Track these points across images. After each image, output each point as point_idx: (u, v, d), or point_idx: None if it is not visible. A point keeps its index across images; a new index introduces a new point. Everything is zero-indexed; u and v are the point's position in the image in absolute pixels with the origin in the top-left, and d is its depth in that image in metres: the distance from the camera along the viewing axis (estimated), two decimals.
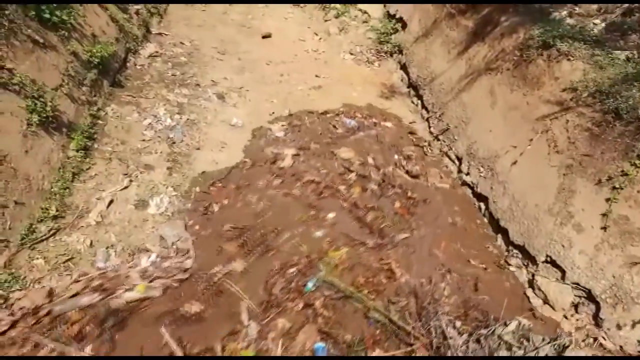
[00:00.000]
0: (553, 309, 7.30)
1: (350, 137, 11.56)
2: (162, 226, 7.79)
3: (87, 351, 5.67)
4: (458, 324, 6.66)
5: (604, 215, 7.01)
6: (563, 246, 7.29)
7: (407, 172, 10.58)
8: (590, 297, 7.02)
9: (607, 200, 7.04)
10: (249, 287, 7.10)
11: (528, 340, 6.23)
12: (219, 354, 5.97)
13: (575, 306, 7.19)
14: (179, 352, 5.44)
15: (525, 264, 8.00)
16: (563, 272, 7.27)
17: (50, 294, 6.23)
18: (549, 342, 6.16)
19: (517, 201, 8.38)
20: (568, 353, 5.85)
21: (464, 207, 9.75)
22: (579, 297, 7.18)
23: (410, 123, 12.69)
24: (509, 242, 8.29)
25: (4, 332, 5.66)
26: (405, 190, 9.96)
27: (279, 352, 5.93)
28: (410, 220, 9.14)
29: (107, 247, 7.18)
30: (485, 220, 9.22)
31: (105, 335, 6.00)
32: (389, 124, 12.40)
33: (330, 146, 11.08)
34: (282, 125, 11.48)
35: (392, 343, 6.43)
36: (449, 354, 5.89)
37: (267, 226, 8.36)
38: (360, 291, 7.05)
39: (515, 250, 8.20)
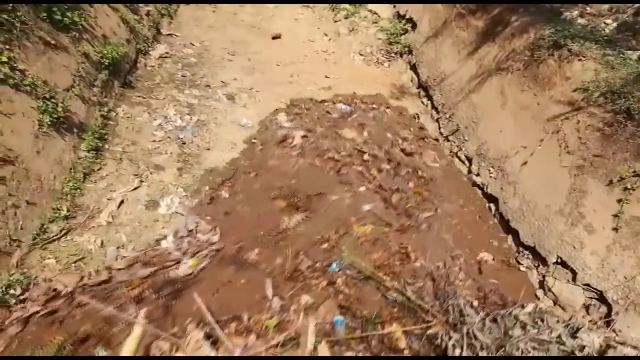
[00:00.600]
0: (564, 310, 7.25)
1: (348, 120, 11.92)
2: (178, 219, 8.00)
3: (142, 314, 5.87)
4: (475, 303, 6.80)
5: (615, 216, 6.96)
6: (574, 247, 7.23)
7: (402, 150, 11.00)
8: (602, 298, 6.96)
9: (619, 201, 6.98)
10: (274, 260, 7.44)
11: (543, 321, 6.18)
12: (246, 323, 6.18)
13: (587, 308, 7.13)
14: (210, 318, 5.65)
15: (536, 265, 7.94)
16: (574, 273, 7.21)
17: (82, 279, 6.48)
18: (563, 324, 6.09)
19: (528, 202, 8.33)
20: (580, 335, 5.81)
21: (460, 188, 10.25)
22: (591, 298, 7.12)
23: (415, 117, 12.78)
24: (519, 243, 8.23)
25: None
26: (416, 170, 10.35)
27: (300, 324, 6.06)
28: (430, 198, 9.50)
29: (117, 247, 7.21)
30: (495, 219, 9.19)
31: (161, 301, 6.29)
32: (388, 111, 12.63)
33: (334, 128, 11.45)
34: (287, 115, 11.75)
35: (409, 320, 6.55)
36: (465, 330, 5.92)
37: (305, 189, 9.05)
38: (379, 272, 7.16)
39: (526, 252, 8.14)
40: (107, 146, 8.90)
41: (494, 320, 6.14)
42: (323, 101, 12.80)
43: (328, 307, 6.57)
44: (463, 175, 10.70)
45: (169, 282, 6.68)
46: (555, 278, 7.48)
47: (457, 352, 5.76)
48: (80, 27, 9.34)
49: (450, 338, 5.98)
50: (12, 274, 6.08)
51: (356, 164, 10.13)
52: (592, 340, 5.76)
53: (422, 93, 13.62)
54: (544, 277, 7.69)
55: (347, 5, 17.34)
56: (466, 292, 7.13)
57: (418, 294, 6.95)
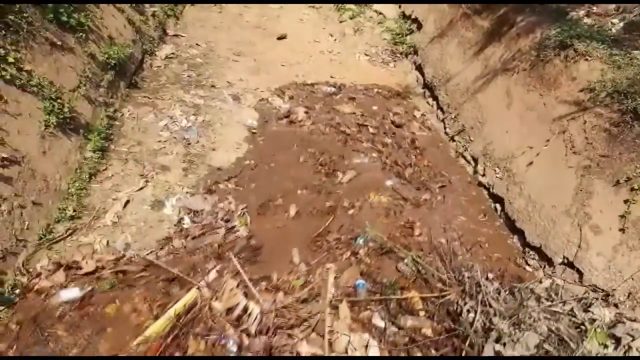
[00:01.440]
0: None
1: (336, 97, 12.99)
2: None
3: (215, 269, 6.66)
4: (491, 275, 7.09)
5: (622, 216, 6.90)
6: (580, 248, 7.19)
7: (392, 122, 12.00)
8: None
9: (626, 201, 6.92)
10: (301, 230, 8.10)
11: (557, 294, 6.40)
12: (274, 282, 6.80)
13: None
14: (245, 277, 6.48)
15: (542, 265, 7.90)
16: (580, 274, 7.17)
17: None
18: (576, 298, 6.32)
19: (534, 202, 8.28)
20: (592, 309, 6.00)
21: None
22: (596, 299, 7.07)
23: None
24: (525, 243, 8.19)
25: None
26: (413, 140, 11.35)
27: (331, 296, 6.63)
28: (436, 169, 10.38)
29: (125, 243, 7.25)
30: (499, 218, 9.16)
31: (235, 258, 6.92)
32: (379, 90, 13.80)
33: (328, 105, 12.43)
34: (279, 97, 12.45)
35: (425, 289, 6.89)
36: (480, 297, 6.20)
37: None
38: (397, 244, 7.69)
39: (532, 252, 8.10)
40: (112, 146, 8.93)
41: (511, 293, 6.41)
42: (312, 84, 13.54)
43: (351, 272, 7.07)
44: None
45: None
46: (563, 280, 7.42)
47: (471, 317, 6.02)
48: (87, 27, 9.40)
49: (465, 303, 6.25)
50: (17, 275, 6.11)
51: (363, 138, 11.07)
52: (603, 314, 5.89)
53: (427, 93, 13.58)
54: (550, 277, 7.64)
55: (352, 6, 17.36)
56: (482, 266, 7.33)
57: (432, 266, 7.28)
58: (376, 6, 17.33)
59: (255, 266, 7.09)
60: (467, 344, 5.80)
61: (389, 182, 9.53)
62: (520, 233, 8.39)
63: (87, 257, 6.63)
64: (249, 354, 5.51)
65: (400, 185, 9.53)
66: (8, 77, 6.93)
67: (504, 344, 5.65)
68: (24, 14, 7.74)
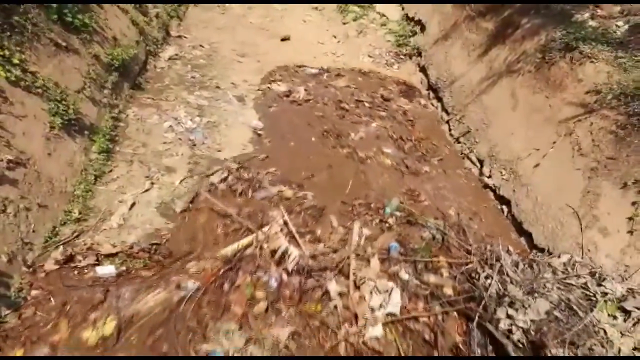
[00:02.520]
0: None
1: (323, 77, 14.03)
2: None
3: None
4: (512, 249, 7.51)
5: (630, 219, 6.88)
6: (589, 250, 7.16)
7: (381, 96, 13.17)
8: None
9: (633, 203, 6.91)
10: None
11: (573, 268, 6.67)
12: (317, 235, 7.67)
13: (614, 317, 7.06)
14: (290, 225, 7.43)
15: None
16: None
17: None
18: (590, 273, 6.51)
19: (541, 204, 8.26)
20: (605, 283, 6.23)
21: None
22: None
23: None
24: (532, 245, 8.16)
25: None
26: (405, 112, 12.65)
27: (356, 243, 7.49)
28: (429, 141, 11.47)
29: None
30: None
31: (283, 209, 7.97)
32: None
33: (321, 84, 13.51)
34: (272, 81, 13.13)
35: (449, 256, 7.50)
36: (498, 266, 6.64)
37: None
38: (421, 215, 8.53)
39: (539, 254, 8.07)
40: (117, 148, 8.89)
41: (530, 266, 6.77)
42: (299, 66, 14.34)
43: (385, 237, 7.75)
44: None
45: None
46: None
47: (487, 282, 6.39)
48: (91, 29, 9.36)
49: (483, 270, 6.69)
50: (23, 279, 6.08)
51: (361, 113, 12.23)
52: (615, 288, 6.11)
53: (432, 95, 13.56)
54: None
55: (355, 7, 17.35)
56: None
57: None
58: (379, 8, 17.33)
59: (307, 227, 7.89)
60: (481, 306, 6.18)
61: (389, 150, 10.84)
62: (527, 235, 8.36)
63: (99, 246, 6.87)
64: (287, 291, 6.38)
65: (401, 154, 10.79)
66: (13, 78, 6.87)
67: (516, 309, 5.95)
68: (29, 15, 7.71)
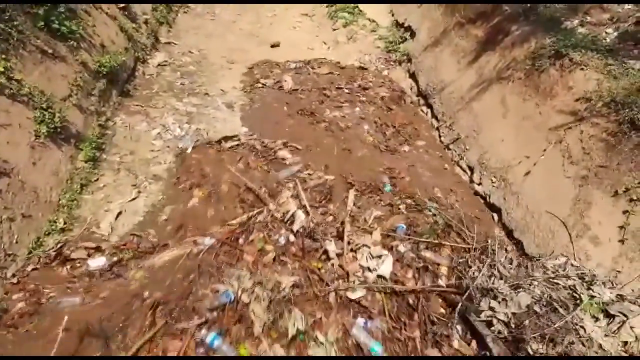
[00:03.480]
0: None
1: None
2: None
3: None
4: (510, 248, 7.82)
5: (621, 227, 6.85)
6: (580, 259, 7.13)
7: (359, 85, 13.66)
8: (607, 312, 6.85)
9: (625, 212, 6.88)
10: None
11: (564, 270, 6.60)
12: (328, 209, 8.15)
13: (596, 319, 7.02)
14: (301, 192, 8.19)
15: None
16: None
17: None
18: (579, 274, 6.44)
19: (532, 212, 8.23)
20: (593, 287, 6.16)
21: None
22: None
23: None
24: (524, 253, 8.11)
25: None
26: (383, 97, 13.29)
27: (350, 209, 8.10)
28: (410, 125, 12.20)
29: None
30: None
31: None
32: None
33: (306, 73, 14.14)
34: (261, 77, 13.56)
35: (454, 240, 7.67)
36: (488, 261, 6.71)
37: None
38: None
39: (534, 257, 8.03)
40: (104, 156, 8.79)
41: (525, 265, 6.81)
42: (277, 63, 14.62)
43: (395, 218, 8.04)
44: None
45: None
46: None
47: (476, 274, 6.48)
48: (78, 35, 9.27)
49: (474, 263, 6.81)
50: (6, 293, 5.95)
51: (342, 99, 12.83)
52: (603, 292, 6.06)
53: (422, 101, 13.53)
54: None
55: (345, 14, 17.34)
56: None
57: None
58: (369, 14, 17.31)
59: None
60: (464, 296, 6.29)
61: (371, 130, 11.54)
62: (518, 243, 8.32)
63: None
64: (292, 248, 7.12)
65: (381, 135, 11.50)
66: None
67: (499, 302, 6.02)
68: (14, 22, 7.61)
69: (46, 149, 7.48)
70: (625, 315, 5.75)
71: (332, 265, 6.86)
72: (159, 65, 12.63)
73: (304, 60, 14.79)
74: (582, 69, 8.57)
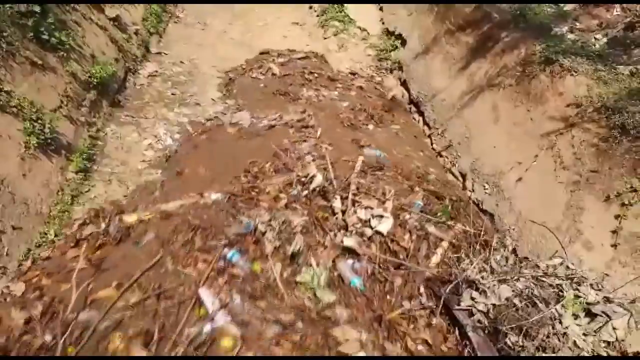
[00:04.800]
0: None
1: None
2: None
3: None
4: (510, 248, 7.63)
5: (614, 232, 6.86)
6: (573, 264, 7.12)
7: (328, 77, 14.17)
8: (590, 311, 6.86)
9: (617, 217, 6.89)
10: None
11: (555, 269, 6.58)
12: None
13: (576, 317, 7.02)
14: (327, 156, 8.57)
15: None
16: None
17: None
18: (568, 273, 6.41)
19: (524, 218, 8.24)
20: (582, 289, 6.11)
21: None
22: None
23: None
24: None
25: None
26: (360, 87, 14.05)
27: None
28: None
29: None
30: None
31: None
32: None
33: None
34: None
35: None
36: (481, 256, 6.80)
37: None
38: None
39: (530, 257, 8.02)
40: (95, 167, 8.76)
41: (519, 265, 6.82)
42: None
43: (414, 196, 8.15)
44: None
45: None
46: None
47: (469, 266, 6.53)
48: (68, 46, 9.24)
49: (467, 256, 6.90)
50: None
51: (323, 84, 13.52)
52: (588, 292, 6.02)
53: (413, 109, 13.56)
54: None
55: (336, 22, 17.34)
56: None
57: None
58: (360, 22, 17.34)
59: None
60: (449, 288, 6.28)
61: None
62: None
63: None
64: (304, 199, 7.66)
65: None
66: None
67: (480, 292, 6.11)
68: (4, 33, 7.58)
69: (36, 160, 7.43)
70: (608, 316, 5.74)
71: (336, 218, 7.40)
72: (149, 75, 12.60)
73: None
74: (572, 74, 8.61)
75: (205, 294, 5.72)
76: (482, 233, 7.49)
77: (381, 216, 7.25)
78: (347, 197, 7.60)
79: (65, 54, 9.12)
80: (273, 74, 13.46)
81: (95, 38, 10.84)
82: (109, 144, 9.47)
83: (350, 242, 6.83)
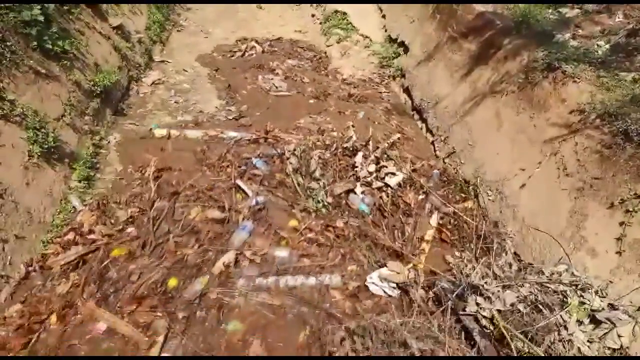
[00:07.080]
0: None
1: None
2: None
3: None
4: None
5: (618, 239, 6.82)
6: (577, 271, 7.08)
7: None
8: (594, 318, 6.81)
9: (621, 224, 6.85)
10: None
11: (560, 275, 6.67)
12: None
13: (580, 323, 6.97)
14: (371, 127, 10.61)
15: None
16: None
17: None
18: (572, 280, 6.48)
19: (528, 225, 8.21)
20: (586, 295, 6.18)
21: None
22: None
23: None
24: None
25: None
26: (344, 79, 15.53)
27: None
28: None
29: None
30: None
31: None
32: None
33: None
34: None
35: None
36: (484, 260, 7.10)
37: None
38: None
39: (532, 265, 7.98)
40: (98, 175, 8.75)
41: (524, 271, 6.95)
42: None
43: (433, 167, 10.35)
44: None
45: None
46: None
47: (472, 271, 6.73)
48: (72, 55, 9.27)
49: (470, 262, 7.24)
50: None
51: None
52: (593, 299, 6.09)
53: (416, 116, 13.57)
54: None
55: (338, 30, 17.41)
56: None
57: None
58: (363, 30, 17.40)
59: None
60: (455, 294, 6.37)
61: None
62: (515, 256, 8.26)
63: None
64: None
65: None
66: None
67: (485, 299, 6.15)
68: (7, 43, 7.60)
69: (40, 169, 7.43)
70: (613, 323, 5.75)
71: (355, 170, 9.00)
72: (153, 83, 12.62)
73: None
74: (574, 81, 8.60)
75: (240, 183, 8.39)
76: (482, 234, 7.96)
77: (393, 173, 8.81)
78: (371, 157, 9.12)
79: (68, 63, 9.13)
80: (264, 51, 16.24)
81: (99, 46, 10.88)
82: (112, 152, 9.47)
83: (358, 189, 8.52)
